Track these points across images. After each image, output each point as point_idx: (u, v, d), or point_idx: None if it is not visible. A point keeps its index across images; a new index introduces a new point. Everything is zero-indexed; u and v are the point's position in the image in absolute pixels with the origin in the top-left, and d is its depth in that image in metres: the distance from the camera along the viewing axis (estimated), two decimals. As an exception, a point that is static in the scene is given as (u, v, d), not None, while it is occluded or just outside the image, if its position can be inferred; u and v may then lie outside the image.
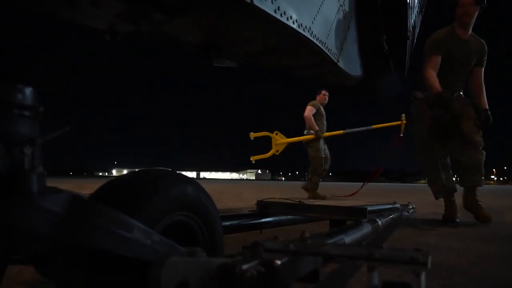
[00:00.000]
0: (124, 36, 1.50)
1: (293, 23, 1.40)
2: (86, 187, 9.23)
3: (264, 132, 5.00)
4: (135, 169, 1.14)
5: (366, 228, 1.62)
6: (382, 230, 1.97)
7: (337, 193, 6.32)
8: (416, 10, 3.11)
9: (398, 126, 4.85)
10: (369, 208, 1.92)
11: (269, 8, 1.23)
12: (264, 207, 2.03)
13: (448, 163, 3.70)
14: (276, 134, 4.93)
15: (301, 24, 1.46)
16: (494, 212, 3.89)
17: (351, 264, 0.95)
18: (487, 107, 3.59)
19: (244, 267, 0.57)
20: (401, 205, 3.05)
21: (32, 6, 1.26)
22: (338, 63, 1.97)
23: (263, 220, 1.99)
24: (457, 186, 3.66)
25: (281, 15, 1.31)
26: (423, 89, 3.69)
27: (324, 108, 5.13)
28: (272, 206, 2.02)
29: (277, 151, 4.89)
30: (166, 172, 0.95)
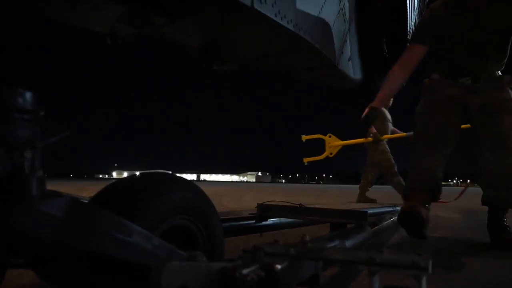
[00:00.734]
0: (124, 39, 1.51)
1: (294, 26, 1.40)
2: (86, 189, 9.24)
3: (316, 135, 4.97)
4: (135, 171, 1.14)
5: (367, 232, 1.61)
6: (383, 233, 1.97)
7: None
8: (416, 12, 3.12)
9: None
10: (369, 211, 1.92)
11: (269, 12, 1.24)
12: (265, 210, 2.03)
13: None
14: (330, 136, 4.90)
15: (302, 28, 1.46)
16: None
17: (351, 269, 0.95)
18: None
19: (244, 271, 0.57)
20: (402, 207, 3.04)
21: (33, 9, 1.26)
22: (338, 66, 1.98)
23: (264, 223, 1.98)
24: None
25: (281, 19, 1.31)
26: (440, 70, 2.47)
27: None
28: (273, 209, 2.01)
29: (330, 153, 4.86)
30: (166, 176, 0.95)
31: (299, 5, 1.43)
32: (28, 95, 0.61)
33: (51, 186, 0.64)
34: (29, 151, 0.59)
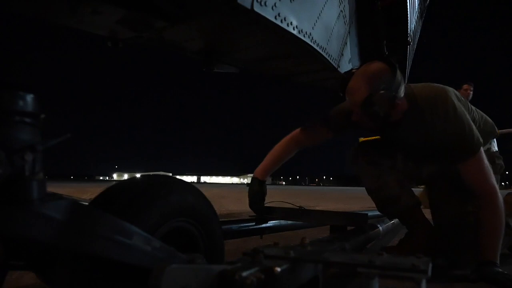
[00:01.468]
0: (125, 42, 1.51)
1: (294, 29, 1.40)
2: (87, 191, 9.24)
3: (374, 137, 4.85)
4: (136, 174, 1.14)
5: (367, 234, 1.61)
6: (383, 236, 1.97)
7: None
8: (416, 15, 3.12)
9: None
10: (370, 214, 1.91)
11: (269, 15, 1.24)
12: (265, 212, 2.03)
13: None
14: None
15: (302, 30, 1.47)
16: None
17: (351, 271, 0.95)
18: None
19: (244, 274, 0.57)
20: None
21: (34, 13, 1.27)
22: (338, 69, 1.98)
23: (264, 225, 1.98)
24: None
25: (281, 21, 1.31)
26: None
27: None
28: (273, 211, 2.01)
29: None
30: (166, 178, 0.95)
31: (299, 8, 1.44)
32: (29, 97, 0.61)
33: (52, 188, 0.64)
34: (30, 154, 0.59)
